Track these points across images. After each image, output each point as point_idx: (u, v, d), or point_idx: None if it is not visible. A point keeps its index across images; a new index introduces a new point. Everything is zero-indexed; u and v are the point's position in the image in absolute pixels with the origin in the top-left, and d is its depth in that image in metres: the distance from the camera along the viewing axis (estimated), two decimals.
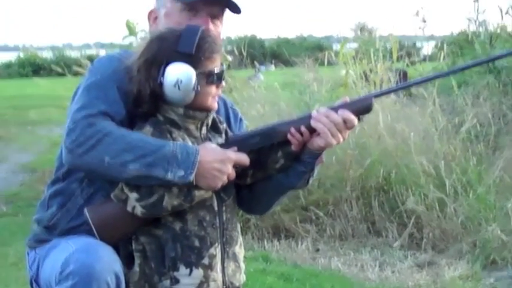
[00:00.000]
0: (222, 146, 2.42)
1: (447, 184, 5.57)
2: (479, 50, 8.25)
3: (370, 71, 7.27)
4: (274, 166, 2.48)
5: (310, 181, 2.56)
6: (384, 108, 6.32)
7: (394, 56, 7.63)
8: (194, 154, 2.28)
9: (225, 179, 2.34)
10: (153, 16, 2.68)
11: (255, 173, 2.49)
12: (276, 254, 5.56)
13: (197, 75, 2.32)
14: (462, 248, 5.28)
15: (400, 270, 5.06)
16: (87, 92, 2.40)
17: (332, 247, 5.72)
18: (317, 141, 2.42)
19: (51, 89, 7.67)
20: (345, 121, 2.40)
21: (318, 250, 5.70)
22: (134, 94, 2.36)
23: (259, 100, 7.39)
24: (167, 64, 2.31)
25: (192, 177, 2.26)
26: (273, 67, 22.42)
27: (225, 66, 2.45)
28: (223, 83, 2.44)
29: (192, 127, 2.42)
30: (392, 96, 6.81)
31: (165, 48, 2.34)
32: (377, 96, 2.55)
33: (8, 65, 36.36)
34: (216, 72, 2.38)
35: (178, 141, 2.35)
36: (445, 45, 8.15)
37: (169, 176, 2.25)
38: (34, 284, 2.59)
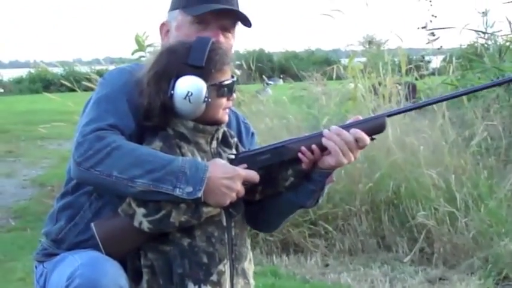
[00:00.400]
0: (231, 162, 2.39)
1: (458, 198, 5.52)
2: (488, 63, 8.20)
3: (379, 84, 7.23)
4: (284, 184, 2.45)
5: (320, 200, 2.52)
6: (393, 121, 6.27)
7: (403, 70, 7.58)
8: (203, 170, 2.25)
9: (233, 196, 2.31)
10: (164, 29, 2.67)
11: (264, 189, 2.46)
12: (285, 269, 5.52)
13: (208, 87, 2.30)
14: (474, 263, 5.21)
15: (411, 286, 5.01)
16: (97, 105, 2.40)
17: (341, 262, 5.67)
18: (328, 160, 2.39)
19: (61, 104, 7.67)
20: (356, 140, 2.37)
21: (327, 265, 5.65)
22: (144, 107, 2.34)
23: (268, 114, 7.37)
24: (177, 77, 2.30)
25: (200, 194, 2.23)
26: (281, 81, 22.43)
27: (236, 78, 2.43)
28: (234, 95, 2.42)
29: (202, 141, 2.40)
30: None
31: (175, 61, 2.33)
32: (390, 115, 2.51)
33: (18, 81, 36.56)
34: (226, 84, 2.36)
35: (188, 156, 2.34)
36: (453, 59, 8.11)
37: (178, 192, 2.23)
38: None
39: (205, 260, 2.33)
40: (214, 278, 2.33)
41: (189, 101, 2.29)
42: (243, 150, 2.57)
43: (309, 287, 5.04)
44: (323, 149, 2.38)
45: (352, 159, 2.39)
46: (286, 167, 2.43)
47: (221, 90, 2.36)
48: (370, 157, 6.02)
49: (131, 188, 2.25)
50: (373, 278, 5.20)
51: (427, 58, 10.17)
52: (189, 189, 2.23)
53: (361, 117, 2.44)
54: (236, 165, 2.37)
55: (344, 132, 2.37)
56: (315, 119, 7.50)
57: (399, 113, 2.65)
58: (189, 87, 2.29)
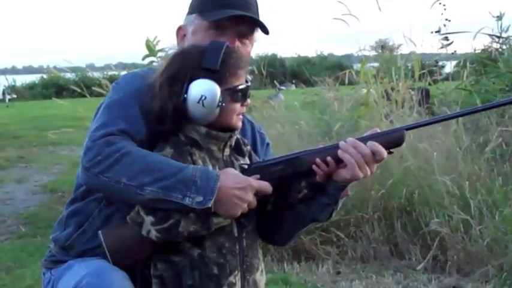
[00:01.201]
0: (244, 172, 2.34)
1: (472, 205, 5.45)
2: (503, 68, 8.13)
3: (392, 89, 7.18)
4: (297, 196, 2.40)
5: (334, 214, 2.46)
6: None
7: (416, 75, 7.53)
8: (214, 180, 2.20)
9: (245, 207, 2.26)
10: (181, 34, 2.63)
11: (276, 200, 2.41)
12: (296, 277, 5.47)
13: (222, 92, 2.26)
14: (488, 271, 5.15)
15: None
16: (108, 110, 2.37)
17: (353, 270, 5.61)
18: (343, 173, 2.33)
19: (73, 109, 7.67)
20: (373, 153, 2.31)
21: (339, 273, 5.60)
22: (156, 111, 2.30)
23: (279, 119, 7.34)
24: (191, 80, 2.26)
25: (210, 204, 2.18)
26: (293, 86, 22.42)
27: (250, 83, 2.38)
28: (248, 100, 2.37)
29: (214, 148, 2.36)
30: (415, 115, 6.72)
31: (188, 64, 2.29)
32: (409, 129, 2.44)
33: (31, 86, 36.83)
34: (241, 89, 2.32)
35: (199, 163, 2.29)
36: (467, 64, 8.04)
37: (187, 201, 2.18)
38: None
39: (215, 271, 2.29)
40: None
41: (203, 105, 2.25)
42: (257, 159, 2.53)
43: None
44: (338, 162, 2.32)
45: (368, 173, 2.32)
46: (299, 179, 2.38)
47: (235, 95, 2.31)
48: (382, 163, 5.88)
49: (140, 196, 2.20)
50: (386, 286, 5.15)
51: (440, 63, 10.10)
52: (199, 198, 2.18)
53: (378, 130, 2.38)
54: (249, 175, 2.32)
55: (361, 144, 2.31)
56: (327, 125, 7.46)
57: (418, 126, 2.55)
58: (203, 91, 2.25)
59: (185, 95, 2.26)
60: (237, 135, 2.43)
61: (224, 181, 2.22)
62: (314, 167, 2.32)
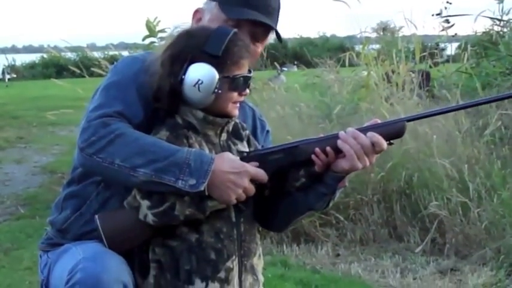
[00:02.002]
0: (242, 159, 2.33)
1: (471, 188, 5.46)
2: (503, 51, 8.11)
3: (393, 72, 7.16)
4: (295, 184, 2.40)
5: (331, 204, 2.46)
6: (406, 111, 6.20)
7: (417, 57, 7.51)
8: (208, 163, 2.19)
9: (240, 193, 2.24)
10: (197, 16, 2.60)
11: (273, 187, 2.40)
12: (295, 259, 5.48)
13: (220, 78, 2.24)
14: (486, 254, 5.17)
15: (422, 277, 4.95)
16: (106, 92, 2.36)
17: (352, 252, 5.63)
18: (342, 164, 2.32)
19: (72, 90, 7.63)
20: (373, 144, 2.29)
21: (338, 255, 5.61)
22: (154, 88, 2.29)
23: (279, 101, 7.31)
24: (191, 62, 2.24)
25: (203, 187, 2.17)
26: (295, 68, 22.37)
27: (252, 74, 2.36)
28: (247, 91, 2.35)
29: (211, 133, 2.35)
30: (415, 98, 6.71)
31: (191, 46, 2.27)
32: (410, 120, 2.42)
33: (31, 66, 36.70)
34: (240, 78, 2.30)
35: (195, 147, 2.28)
36: (468, 46, 8.01)
37: (180, 184, 2.16)
38: None
39: (213, 256, 2.28)
40: (222, 274, 2.29)
41: (198, 89, 2.24)
42: (255, 143, 2.52)
43: (319, 277, 4.99)
44: (338, 152, 2.31)
45: (368, 163, 2.31)
46: (298, 167, 2.37)
47: (234, 83, 2.29)
48: None
49: (133, 178, 2.20)
50: (384, 269, 5.16)
51: (441, 45, 10.07)
52: (192, 181, 2.17)
53: (379, 121, 2.37)
54: (247, 162, 2.30)
55: (361, 135, 2.30)
56: (327, 107, 7.45)
57: (419, 118, 2.53)
58: (200, 75, 2.23)
59: (183, 76, 2.24)
60: (234, 120, 2.42)
61: (219, 165, 2.21)
62: (313, 157, 2.31)
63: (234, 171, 2.22)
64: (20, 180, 9.13)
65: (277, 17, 2.59)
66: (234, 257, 2.31)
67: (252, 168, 2.27)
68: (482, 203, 5.43)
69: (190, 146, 2.28)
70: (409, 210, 5.78)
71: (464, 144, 5.91)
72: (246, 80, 2.33)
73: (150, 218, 2.23)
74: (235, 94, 2.31)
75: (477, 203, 5.44)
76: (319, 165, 2.32)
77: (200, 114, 2.31)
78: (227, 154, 2.29)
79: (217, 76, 2.24)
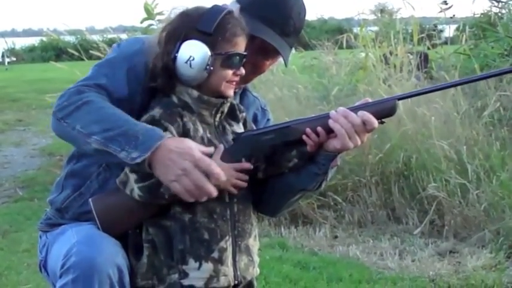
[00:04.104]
0: (234, 140, 2.34)
1: (469, 170, 5.45)
2: (502, 32, 8.08)
3: (390, 53, 7.15)
4: (287, 165, 2.39)
5: (324, 185, 2.44)
6: (404, 92, 6.18)
7: (415, 39, 7.48)
8: (156, 139, 2.17)
9: (179, 173, 2.16)
10: None
11: (267, 168, 2.40)
12: (293, 241, 5.48)
13: (212, 55, 2.25)
14: (485, 236, 5.15)
15: (421, 259, 4.94)
16: (98, 68, 2.41)
17: (351, 234, 5.62)
18: (333, 143, 2.31)
19: (71, 73, 7.63)
20: (364, 123, 2.28)
21: (336, 237, 5.61)
22: (150, 67, 2.31)
23: (277, 83, 7.29)
24: (184, 40, 2.25)
25: (140, 160, 2.14)
26: (293, 50, 22.33)
27: (246, 53, 2.33)
28: (242, 70, 2.33)
29: (205, 113, 2.34)
30: (413, 79, 6.71)
31: (185, 24, 2.28)
32: (401, 98, 2.41)
33: (31, 49, 36.64)
34: (232, 55, 2.29)
35: (189, 126, 2.28)
36: (467, 28, 7.99)
37: (123, 154, 2.16)
38: (42, 269, 2.58)
39: (206, 236, 2.27)
40: (215, 254, 2.28)
41: (190, 65, 2.24)
42: (252, 126, 2.51)
43: (317, 259, 4.99)
44: (329, 131, 2.30)
45: (359, 143, 2.30)
46: (290, 148, 2.36)
47: (226, 61, 2.29)
48: (380, 128, 5.90)
49: (87, 144, 2.22)
50: (382, 251, 5.16)
51: (439, 27, 10.04)
52: (135, 154, 2.15)
53: (370, 100, 2.35)
54: (239, 144, 2.32)
55: (351, 114, 2.28)
56: (325, 89, 7.44)
57: (411, 96, 2.53)
58: (191, 51, 2.24)
59: (176, 54, 2.25)
60: (230, 101, 2.41)
61: (167, 143, 2.17)
62: (304, 137, 2.30)
63: (177, 150, 2.17)
64: (19, 163, 9.16)
65: (295, 38, 2.57)
66: (227, 237, 2.31)
67: (201, 156, 2.19)
68: (481, 185, 5.41)
69: (184, 124, 2.28)
70: (407, 192, 5.78)
71: (462, 125, 5.90)
72: (239, 57, 2.31)
73: (136, 193, 2.23)
74: (228, 72, 2.30)
75: (476, 184, 5.42)
76: (310, 145, 2.32)
77: (195, 93, 2.30)
78: (185, 139, 2.24)
79: (208, 52, 2.24)
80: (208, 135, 2.32)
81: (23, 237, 5.55)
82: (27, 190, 7.56)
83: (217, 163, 2.25)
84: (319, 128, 2.30)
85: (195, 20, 2.28)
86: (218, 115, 2.37)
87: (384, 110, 2.33)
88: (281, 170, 2.40)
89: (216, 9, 2.29)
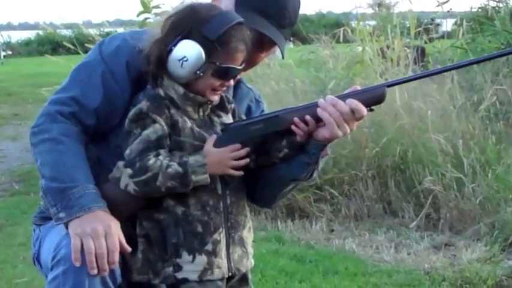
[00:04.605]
0: (223, 131, 2.33)
1: (465, 163, 5.45)
2: (499, 26, 8.08)
3: (387, 47, 7.14)
4: (278, 155, 2.37)
5: (315, 174, 2.43)
6: (401, 86, 6.19)
7: (412, 33, 7.49)
8: (83, 209, 2.21)
9: (89, 241, 2.17)
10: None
11: (258, 158, 2.38)
12: (290, 235, 5.49)
13: (206, 62, 2.22)
14: (480, 229, 5.16)
15: (416, 252, 4.96)
16: (76, 73, 2.43)
17: (347, 227, 5.63)
18: (322, 132, 2.29)
19: (67, 67, 7.61)
20: (353, 111, 2.26)
21: (332, 230, 5.62)
22: (147, 50, 2.29)
23: (274, 77, 7.29)
24: (185, 36, 2.22)
25: (63, 222, 2.21)
26: (291, 44, 22.30)
27: (242, 67, 2.31)
28: (231, 81, 2.32)
29: (189, 109, 2.32)
30: (410, 73, 6.70)
31: (191, 21, 2.24)
32: (390, 85, 2.38)
33: (27, 43, 36.55)
34: (226, 69, 2.26)
35: (176, 118, 2.28)
36: (464, 22, 7.99)
37: (53, 210, 2.24)
38: (36, 263, 2.59)
39: (199, 229, 2.27)
40: (209, 247, 2.28)
41: (182, 65, 2.22)
42: (242, 117, 2.49)
43: (313, 253, 5.00)
44: (318, 120, 2.28)
45: (348, 131, 2.28)
46: (280, 138, 2.35)
47: (218, 72, 2.26)
48: (377, 122, 5.96)
49: (41, 181, 2.29)
50: (378, 244, 5.17)
51: (437, 21, 10.05)
52: (62, 215, 2.21)
53: (359, 87, 2.33)
54: (228, 135, 2.31)
55: (340, 102, 2.26)
56: (321, 83, 7.43)
57: (400, 83, 2.49)
58: (187, 52, 2.21)
59: (172, 47, 2.23)
60: (214, 104, 2.39)
61: (89, 217, 2.19)
62: (293, 127, 2.29)
63: (101, 217, 2.21)
64: (15, 157, 9.16)
65: (290, 30, 2.56)
66: (221, 229, 2.30)
67: (116, 232, 2.21)
68: (476, 178, 5.42)
69: (171, 116, 2.27)
70: (403, 185, 5.78)
71: (459, 119, 5.90)
72: (232, 72, 2.29)
73: (132, 187, 2.23)
74: (216, 82, 2.28)
75: (472, 178, 5.43)
76: (300, 135, 2.30)
77: (181, 90, 2.29)
78: (110, 218, 2.24)
79: (203, 59, 2.21)
80: (197, 128, 2.32)
81: (18, 231, 5.56)
82: (23, 184, 7.58)
83: (210, 150, 2.27)
84: (307, 117, 2.28)
85: (202, 20, 2.23)
86: (201, 109, 2.36)
87: (373, 98, 2.30)
88: (272, 160, 2.39)
89: (226, 18, 2.25)
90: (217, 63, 2.24)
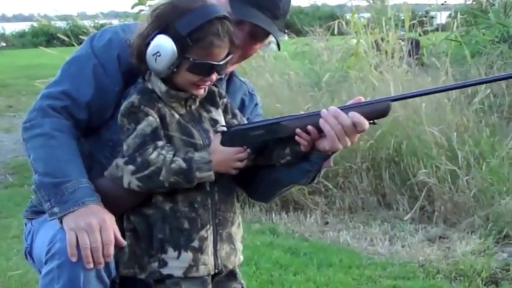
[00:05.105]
0: (223, 134, 2.30)
1: (459, 156, 5.46)
2: (493, 19, 8.09)
3: (382, 40, 7.14)
4: (280, 161, 2.34)
5: (316, 180, 2.42)
6: (396, 78, 6.20)
7: (407, 25, 7.49)
8: (78, 204, 2.20)
9: (83, 235, 2.17)
10: None
11: (256, 158, 2.35)
12: (284, 227, 5.49)
13: (179, 58, 2.19)
14: (474, 221, 5.17)
15: (411, 245, 4.96)
16: (68, 67, 2.42)
17: (341, 220, 5.64)
18: (323, 143, 2.26)
19: (62, 58, 7.58)
20: (354, 125, 2.21)
21: (327, 223, 5.62)
22: (133, 43, 2.28)
23: (269, 70, 7.28)
24: (162, 31, 2.20)
25: (56, 218, 2.22)
26: (286, 36, 22.28)
27: (222, 63, 2.26)
28: (213, 77, 2.27)
29: (175, 105, 2.31)
30: (404, 66, 6.71)
31: (169, 15, 2.21)
32: (395, 100, 2.32)
33: (21, 35, 36.43)
34: (199, 64, 2.22)
35: (164, 111, 2.27)
36: (458, 15, 7.99)
37: (46, 205, 2.24)
38: (28, 257, 2.58)
39: (186, 225, 2.26)
40: (195, 243, 2.27)
41: (155, 60, 2.20)
42: (235, 111, 2.47)
43: (307, 245, 5.00)
44: (320, 130, 2.24)
45: (348, 144, 2.24)
46: (284, 146, 2.31)
47: (192, 67, 2.22)
48: None
49: (34, 176, 2.29)
50: (373, 237, 5.17)
51: (431, 14, 10.05)
52: (56, 210, 2.21)
53: (363, 99, 2.27)
54: (227, 138, 2.28)
55: (342, 115, 2.21)
56: (316, 75, 7.43)
57: (405, 98, 2.43)
58: (160, 47, 2.19)
59: (150, 41, 2.21)
60: (200, 98, 2.36)
61: (83, 211, 2.19)
62: (297, 137, 2.25)
63: (95, 210, 2.21)
64: (9, 149, 9.13)
65: (284, 20, 2.55)
66: (208, 226, 2.29)
67: (110, 226, 2.21)
68: (471, 171, 5.42)
69: (159, 110, 2.26)
70: (398, 178, 5.79)
71: (453, 112, 5.91)
72: (208, 67, 2.24)
73: (135, 184, 2.22)
74: (195, 77, 2.25)
75: (466, 170, 5.44)
76: (304, 145, 2.26)
77: (163, 87, 2.27)
78: (104, 212, 2.23)
79: (175, 54, 2.18)
80: (184, 123, 2.30)
81: (12, 223, 5.54)
82: (17, 176, 7.57)
83: (217, 148, 2.26)
84: (309, 127, 2.24)
85: (178, 14, 2.19)
86: (188, 104, 2.34)
87: (377, 111, 2.25)
88: (271, 162, 2.36)
89: (202, 12, 2.20)
90: (191, 59, 2.20)
